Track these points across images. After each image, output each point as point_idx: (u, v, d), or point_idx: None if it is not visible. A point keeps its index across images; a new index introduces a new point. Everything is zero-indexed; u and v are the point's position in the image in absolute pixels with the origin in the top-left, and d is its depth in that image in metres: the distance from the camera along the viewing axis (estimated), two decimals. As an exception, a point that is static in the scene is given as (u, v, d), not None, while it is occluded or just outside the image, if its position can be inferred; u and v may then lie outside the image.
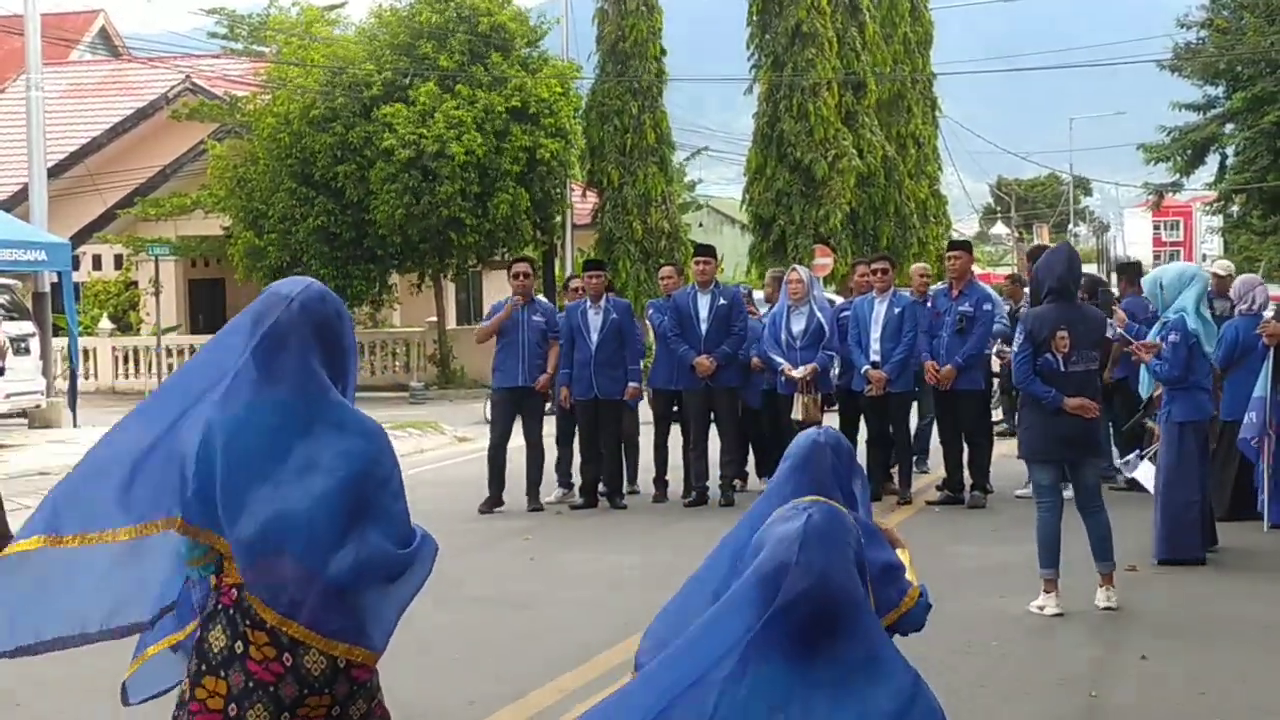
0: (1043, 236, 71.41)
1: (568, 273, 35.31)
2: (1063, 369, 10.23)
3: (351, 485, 4.18)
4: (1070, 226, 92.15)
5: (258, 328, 4.26)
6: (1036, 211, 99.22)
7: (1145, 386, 11.97)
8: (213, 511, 4.16)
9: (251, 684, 4.18)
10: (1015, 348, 10.56)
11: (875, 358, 15.03)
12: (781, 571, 3.62)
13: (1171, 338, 11.27)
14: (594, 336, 15.26)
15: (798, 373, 14.82)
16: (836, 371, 15.27)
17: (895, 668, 3.69)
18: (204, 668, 4.23)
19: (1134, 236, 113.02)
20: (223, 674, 4.21)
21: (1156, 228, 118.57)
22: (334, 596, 4.16)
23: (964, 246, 15.86)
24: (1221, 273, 15.35)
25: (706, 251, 15.97)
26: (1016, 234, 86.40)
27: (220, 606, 4.24)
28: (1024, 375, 10.33)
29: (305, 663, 4.18)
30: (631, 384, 15.41)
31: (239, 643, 4.20)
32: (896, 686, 3.65)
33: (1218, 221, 64.30)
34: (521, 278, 15.55)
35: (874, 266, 15.59)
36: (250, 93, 36.92)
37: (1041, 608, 10.14)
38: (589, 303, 15.44)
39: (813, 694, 3.59)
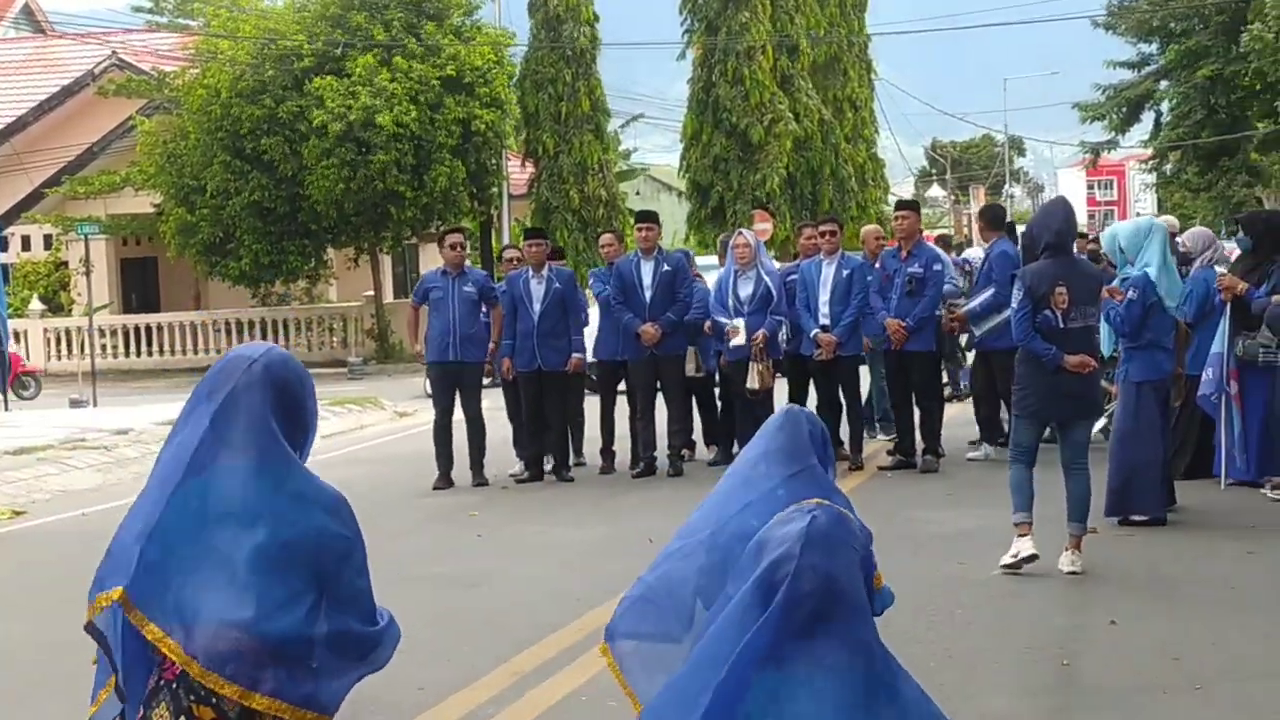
0: (979, 198, 71.36)
1: (504, 243, 35.02)
2: (1062, 325, 10.01)
3: (311, 558, 4.04)
4: (1005, 188, 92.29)
5: (219, 391, 4.12)
6: (971, 173, 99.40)
7: (1106, 344, 11.74)
8: (165, 581, 3.96)
9: None
10: (1014, 304, 10.31)
11: (824, 321, 14.73)
12: (780, 571, 3.37)
13: (1130, 294, 11.02)
14: (536, 306, 14.92)
15: (737, 323, 14.46)
16: (785, 336, 14.94)
17: (898, 682, 3.44)
18: None
19: (1068, 196, 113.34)
20: None
21: (1090, 187, 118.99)
22: (293, 667, 3.99)
23: (912, 206, 15.59)
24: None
25: (649, 217, 15.65)
26: (952, 196, 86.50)
27: (163, 682, 4.01)
28: (1024, 332, 10.10)
29: None
30: (575, 355, 15.09)
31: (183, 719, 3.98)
32: (904, 697, 3.42)
33: (1152, 179, 64.44)
34: (458, 248, 15.21)
35: (822, 229, 15.26)
36: (179, 67, 36.45)
37: (1016, 554, 9.93)
38: (531, 272, 15.10)
39: (806, 705, 3.32)
